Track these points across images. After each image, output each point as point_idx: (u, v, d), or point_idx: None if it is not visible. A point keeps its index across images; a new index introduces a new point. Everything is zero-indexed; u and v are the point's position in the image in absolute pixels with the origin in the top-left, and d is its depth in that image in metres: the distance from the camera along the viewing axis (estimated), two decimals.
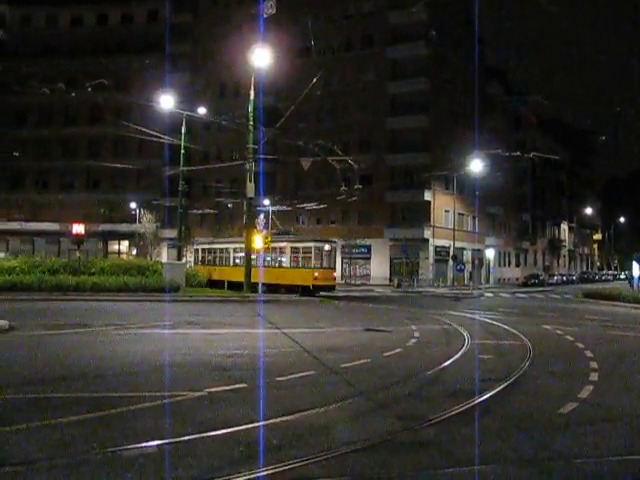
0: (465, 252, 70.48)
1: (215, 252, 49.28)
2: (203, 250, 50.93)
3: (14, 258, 39.81)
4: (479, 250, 73.48)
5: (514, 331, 19.26)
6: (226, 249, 48.01)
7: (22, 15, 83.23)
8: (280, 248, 42.35)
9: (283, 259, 42.65)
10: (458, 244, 64.50)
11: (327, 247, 41.86)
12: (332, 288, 40.99)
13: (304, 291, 38.63)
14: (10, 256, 47.78)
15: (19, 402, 8.86)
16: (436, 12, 62.13)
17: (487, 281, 75.68)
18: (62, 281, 31.74)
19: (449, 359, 13.22)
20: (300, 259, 41.52)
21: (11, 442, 7.00)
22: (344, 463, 6.47)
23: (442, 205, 66.80)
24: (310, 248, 41.00)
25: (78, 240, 37.72)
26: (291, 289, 39.17)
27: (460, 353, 14.27)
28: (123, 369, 11.61)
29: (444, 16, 65.36)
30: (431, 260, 66.00)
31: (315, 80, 34.45)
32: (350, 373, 11.48)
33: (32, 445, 6.88)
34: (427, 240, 65.09)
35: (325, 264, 41.20)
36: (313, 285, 39.29)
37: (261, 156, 39.06)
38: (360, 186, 43.27)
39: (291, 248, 42.11)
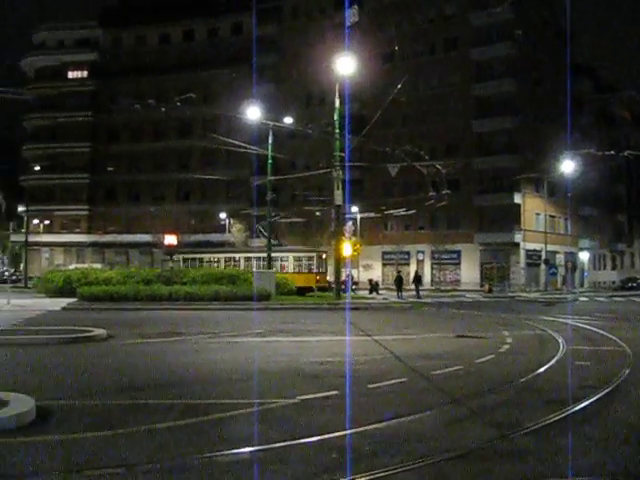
0: (558, 255, 68.65)
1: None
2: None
3: (110, 269, 41.22)
4: (572, 253, 71.43)
5: (612, 337, 18.56)
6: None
7: (113, 37, 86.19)
8: (281, 257, 48.32)
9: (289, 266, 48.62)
10: (550, 247, 62.91)
11: (324, 255, 48.85)
12: (326, 289, 45.26)
13: (308, 290, 43.03)
14: (106, 267, 49.42)
15: (118, 408, 9.16)
16: (521, 10, 61.01)
17: (581, 285, 73.44)
18: (156, 291, 32.60)
19: (544, 366, 12.88)
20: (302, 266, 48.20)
21: (111, 446, 7.25)
22: (438, 472, 6.40)
23: (532, 208, 65.37)
24: (313, 257, 48.16)
25: (170, 251, 38.61)
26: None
27: (555, 360, 13.88)
28: (216, 376, 11.82)
29: (529, 14, 64.11)
30: (522, 264, 64.65)
31: (400, 85, 34.29)
32: (442, 380, 11.36)
33: (130, 449, 7.10)
34: (518, 244, 63.83)
35: (322, 270, 48.23)
36: (317, 286, 44.85)
37: (348, 163, 39.14)
38: (448, 191, 42.82)
39: (293, 257, 48.57)
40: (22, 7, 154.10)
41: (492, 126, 64.20)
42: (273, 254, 43.38)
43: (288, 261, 48.63)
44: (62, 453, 6.98)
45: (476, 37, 66.13)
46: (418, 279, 48.55)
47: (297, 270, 47.64)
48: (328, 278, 47.30)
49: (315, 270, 47.49)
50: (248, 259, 49.79)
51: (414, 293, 46.47)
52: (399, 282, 47.35)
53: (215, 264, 48.61)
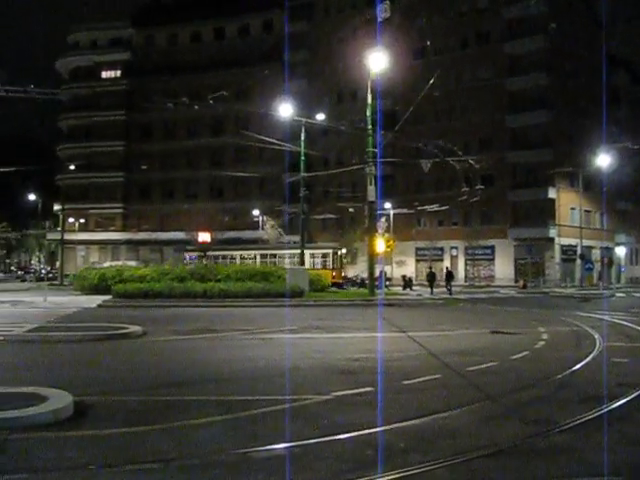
0: (593, 251, 67.79)
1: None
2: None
3: (144, 267, 41.59)
4: (608, 248, 70.46)
5: None
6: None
7: (145, 36, 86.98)
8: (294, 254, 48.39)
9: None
10: (586, 242, 62.15)
11: (339, 252, 50.40)
12: (341, 285, 47.61)
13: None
14: (140, 265, 49.87)
15: (154, 404, 9.25)
16: (555, 3, 60.32)
17: (618, 280, 72.52)
18: (190, 288, 32.84)
19: (580, 362, 12.73)
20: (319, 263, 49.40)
21: (147, 442, 7.33)
22: (472, 469, 6.37)
23: (567, 202, 64.62)
24: (328, 254, 49.59)
25: (205, 248, 38.80)
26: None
27: (591, 356, 13.71)
28: (250, 373, 11.87)
29: (563, 6, 63.35)
30: (557, 260, 64.00)
31: (432, 80, 34.08)
32: (477, 376, 11.28)
33: (167, 445, 7.17)
34: (552, 239, 63.19)
35: (337, 266, 49.67)
36: (332, 282, 44.99)
37: (380, 159, 39.05)
38: (482, 186, 42.56)
39: (309, 254, 48.59)
40: (56, 10, 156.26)
41: (526, 120, 63.59)
42: (289, 251, 43.77)
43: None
44: (99, 448, 7.09)
45: (509, 30, 65.53)
46: (450, 275, 48.27)
47: (311, 266, 47.84)
48: (344, 274, 48.71)
49: (330, 267, 48.68)
50: (264, 256, 51.34)
51: (446, 289, 46.25)
52: (431, 278, 47.17)
53: (232, 261, 49.42)
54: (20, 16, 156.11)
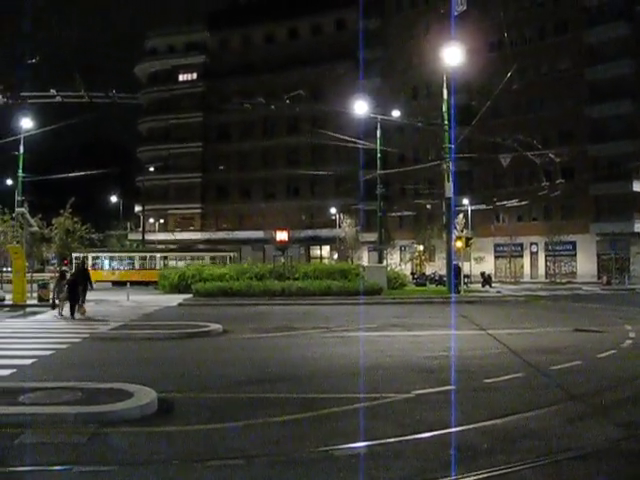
0: None
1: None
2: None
3: (224, 266, 42.19)
4: None
5: None
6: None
7: (220, 39, 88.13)
8: None
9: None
10: None
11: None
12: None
13: None
14: (219, 264, 50.69)
15: (235, 401, 9.39)
16: None
17: None
18: (268, 286, 33.13)
19: None
20: None
21: (232, 437, 7.46)
22: (560, 471, 6.22)
23: None
24: None
25: (282, 246, 39.08)
26: None
27: None
28: (331, 371, 11.89)
29: None
30: None
31: (510, 73, 33.41)
32: (561, 375, 11.02)
33: (250, 441, 7.28)
34: (638, 234, 61.20)
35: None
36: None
37: (456, 155, 38.57)
38: (562, 180, 41.45)
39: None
40: (133, 17, 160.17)
41: (607, 111, 61.68)
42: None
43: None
44: (183, 443, 7.22)
45: (589, 18, 63.71)
46: (487, 279, 46.17)
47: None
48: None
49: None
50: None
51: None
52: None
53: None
54: (98, 23, 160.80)
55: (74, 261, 47.77)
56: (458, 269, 38.20)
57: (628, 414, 8.44)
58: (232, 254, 56.93)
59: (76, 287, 23.52)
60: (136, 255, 57.48)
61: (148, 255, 56.70)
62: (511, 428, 7.72)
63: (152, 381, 10.05)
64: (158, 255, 56.03)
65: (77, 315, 22.86)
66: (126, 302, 31.68)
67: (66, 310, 23.62)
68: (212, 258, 54.22)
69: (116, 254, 59.32)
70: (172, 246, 74.31)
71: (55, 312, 24.48)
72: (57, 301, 25.21)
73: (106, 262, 55.76)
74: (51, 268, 52.64)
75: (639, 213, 60.92)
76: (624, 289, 48.96)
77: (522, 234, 65.26)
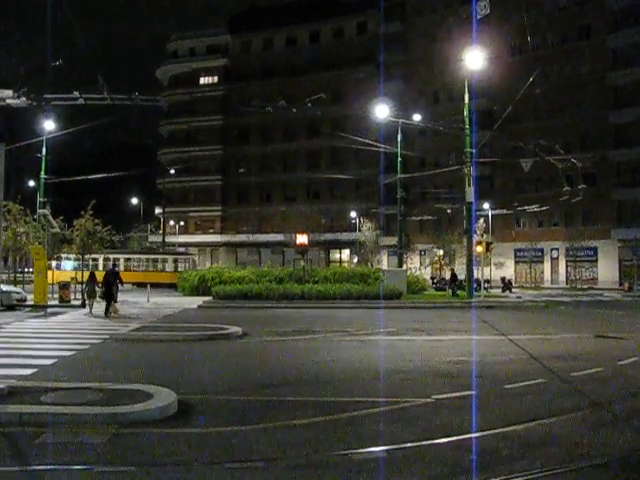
0: None
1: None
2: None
3: (243, 268, 42.29)
4: None
5: None
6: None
7: (242, 42, 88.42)
8: None
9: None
10: None
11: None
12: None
13: None
14: (239, 266, 50.80)
15: (255, 404, 9.38)
16: None
17: None
18: (288, 289, 33.12)
19: None
20: None
21: (250, 440, 7.45)
22: (581, 479, 6.15)
23: None
24: None
25: (302, 250, 39.07)
26: None
27: None
28: (349, 374, 11.87)
29: None
30: None
31: (532, 78, 33.23)
32: (582, 382, 10.94)
33: (268, 445, 7.27)
34: None
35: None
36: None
37: (477, 159, 38.40)
38: (584, 185, 41.07)
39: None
40: (155, 21, 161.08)
41: (631, 116, 61.23)
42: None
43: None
44: (203, 445, 7.24)
45: (612, 23, 63.27)
46: (454, 277, 45.45)
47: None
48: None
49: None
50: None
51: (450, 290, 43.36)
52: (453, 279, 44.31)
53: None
54: (118, 27, 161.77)
55: (91, 263, 48.25)
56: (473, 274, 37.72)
57: None
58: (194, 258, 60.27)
59: (110, 287, 24.90)
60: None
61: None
62: (532, 434, 7.66)
63: (172, 383, 10.10)
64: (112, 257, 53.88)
65: (110, 314, 24.22)
66: (146, 304, 31.86)
67: (96, 309, 25.24)
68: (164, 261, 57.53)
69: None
70: (181, 249, 75.19)
71: (85, 311, 26.09)
72: (87, 301, 26.65)
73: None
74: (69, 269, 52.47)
75: None
76: None
77: (543, 239, 64.88)
